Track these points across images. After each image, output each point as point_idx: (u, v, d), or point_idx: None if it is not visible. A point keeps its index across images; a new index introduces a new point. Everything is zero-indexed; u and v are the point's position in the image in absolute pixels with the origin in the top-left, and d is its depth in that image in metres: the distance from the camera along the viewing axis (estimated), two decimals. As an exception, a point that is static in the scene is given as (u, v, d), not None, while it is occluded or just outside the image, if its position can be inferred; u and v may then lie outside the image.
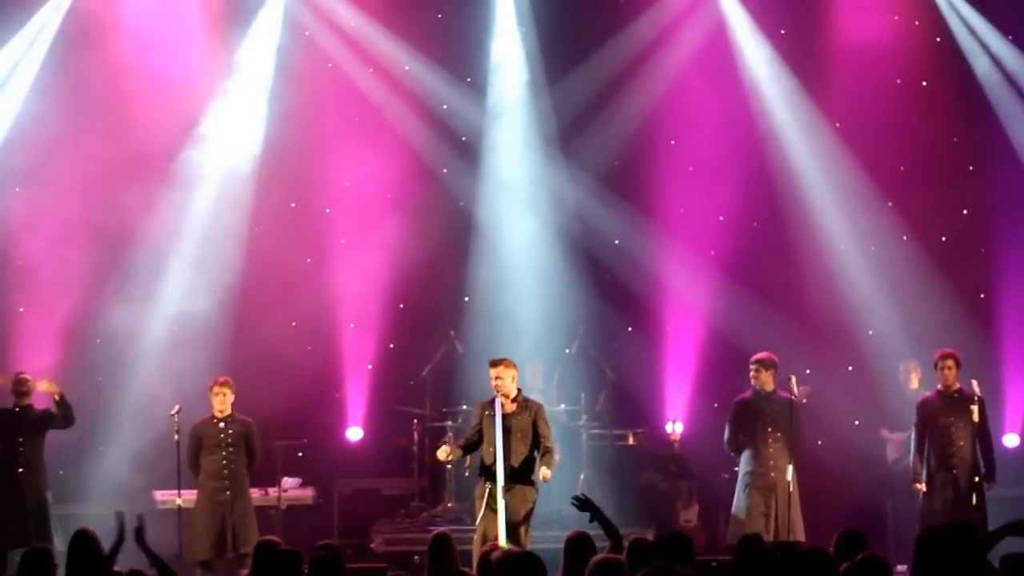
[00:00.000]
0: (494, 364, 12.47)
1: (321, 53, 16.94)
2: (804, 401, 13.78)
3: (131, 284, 16.25)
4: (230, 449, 13.59)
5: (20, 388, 13.97)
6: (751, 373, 13.62)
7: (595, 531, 9.33)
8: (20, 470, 13.82)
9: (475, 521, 12.44)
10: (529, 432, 12.42)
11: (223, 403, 13.61)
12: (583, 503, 9.52)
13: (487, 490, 12.27)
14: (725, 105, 16.84)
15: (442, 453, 12.87)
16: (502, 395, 12.32)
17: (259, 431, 13.95)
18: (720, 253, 16.93)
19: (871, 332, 16.60)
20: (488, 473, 12.34)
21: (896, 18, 16.85)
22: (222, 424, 13.62)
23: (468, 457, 13.65)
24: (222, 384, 13.69)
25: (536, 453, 12.42)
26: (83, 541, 9.41)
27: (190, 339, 16.06)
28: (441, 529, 10.07)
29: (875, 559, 7.49)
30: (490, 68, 17.25)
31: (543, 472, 12.33)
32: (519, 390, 12.51)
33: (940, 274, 16.39)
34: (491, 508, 12.22)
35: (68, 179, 15.95)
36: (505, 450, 12.21)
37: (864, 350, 16.49)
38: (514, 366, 12.56)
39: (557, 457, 15.63)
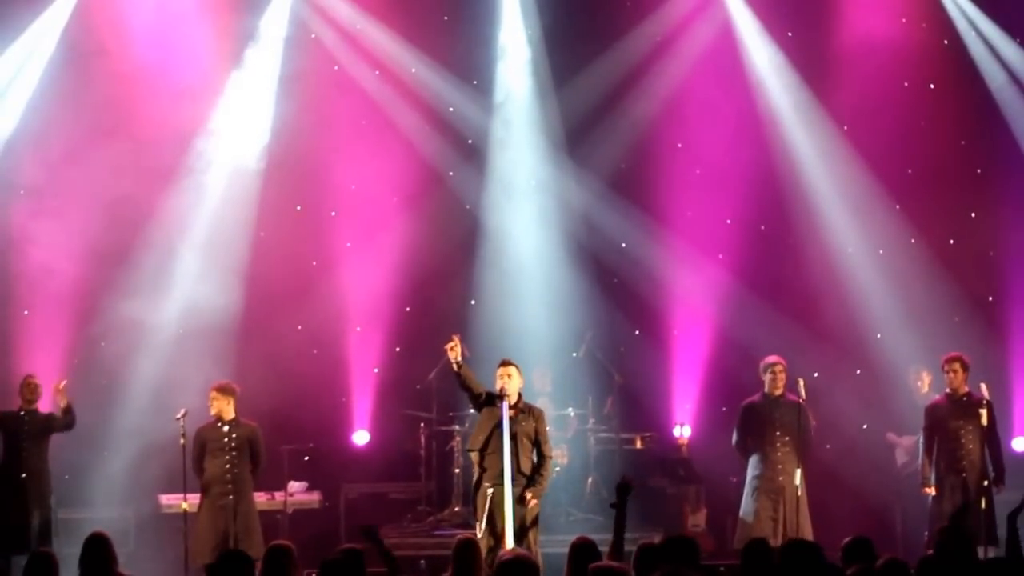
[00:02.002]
0: (507, 363, 12.40)
1: (327, 56, 16.93)
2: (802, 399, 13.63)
3: (136, 288, 16.22)
4: (233, 453, 13.51)
5: (30, 394, 13.91)
6: (770, 375, 13.54)
7: (599, 536, 9.31)
8: (24, 476, 13.77)
9: (480, 526, 12.27)
10: (533, 437, 12.38)
11: (217, 408, 13.50)
12: (622, 488, 9.37)
13: (490, 496, 12.19)
14: (732, 108, 16.81)
15: (453, 353, 12.38)
16: (505, 395, 12.24)
17: (264, 435, 13.90)
18: (727, 256, 16.91)
19: (879, 335, 16.57)
20: (489, 477, 12.26)
21: (903, 20, 16.81)
22: (226, 428, 13.54)
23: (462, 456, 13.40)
24: (217, 390, 13.59)
25: (534, 457, 12.38)
26: (98, 544, 9.42)
27: (195, 343, 16.02)
28: (468, 534, 10.05)
29: (896, 562, 7.58)
30: (496, 71, 17.23)
31: (529, 498, 12.25)
32: (520, 396, 12.46)
33: (948, 277, 16.36)
34: (494, 514, 12.13)
35: (72, 182, 15.90)
36: (511, 454, 12.14)
37: (872, 353, 16.45)
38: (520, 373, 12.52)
39: (564, 461, 15.67)
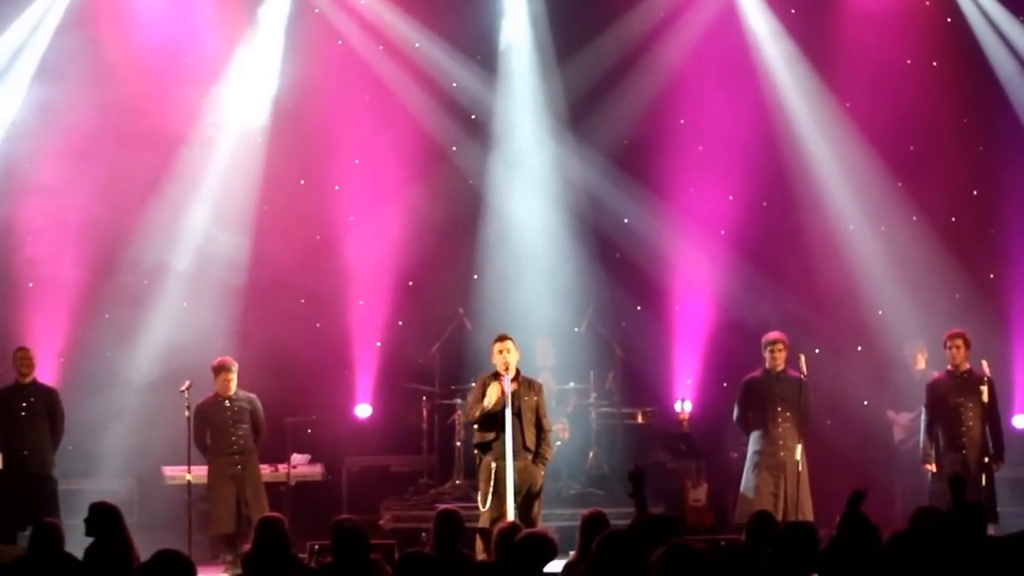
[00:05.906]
0: (504, 338, 12.43)
1: (331, 30, 16.91)
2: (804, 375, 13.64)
3: (140, 260, 16.25)
4: (237, 425, 13.69)
5: (23, 366, 13.90)
6: (770, 352, 13.57)
7: (609, 509, 9.35)
8: (26, 452, 13.75)
9: (483, 500, 12.31)
10: (536, 411, 12.43)
11: (229, 384, 13.67)
12: (635, 475, 9.34)
13: (493, 470, 12.24)
14: (735, 84, 16.80)
15: (494, 393, 12.24)
16: (505, 370, 12.27)
17: (267, 407, 14.02)
18: (729, 232, 16.93)
19: (880, 312, 16.60)
20: (491, 450, 12.31)
21: (907, -3, 16.85)
22: (227, 402, 13.69)
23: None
24: (226, 368, 13.72)
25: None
26: (106, 514, 9.48)
27: (199, 316, 16.06)
28: (447, 505, 10.06)
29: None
30: (500, 46, 17.21)
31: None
32: (518, 370, 12.50)
33: (950, 255, 16.39)
34: (498, 491, 12.17)
35: (75, 160, 15.89)
36: (516, 429, 12.19)
37: (873, 330, 16.49)
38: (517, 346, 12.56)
39: (566, 435, 15.73)
